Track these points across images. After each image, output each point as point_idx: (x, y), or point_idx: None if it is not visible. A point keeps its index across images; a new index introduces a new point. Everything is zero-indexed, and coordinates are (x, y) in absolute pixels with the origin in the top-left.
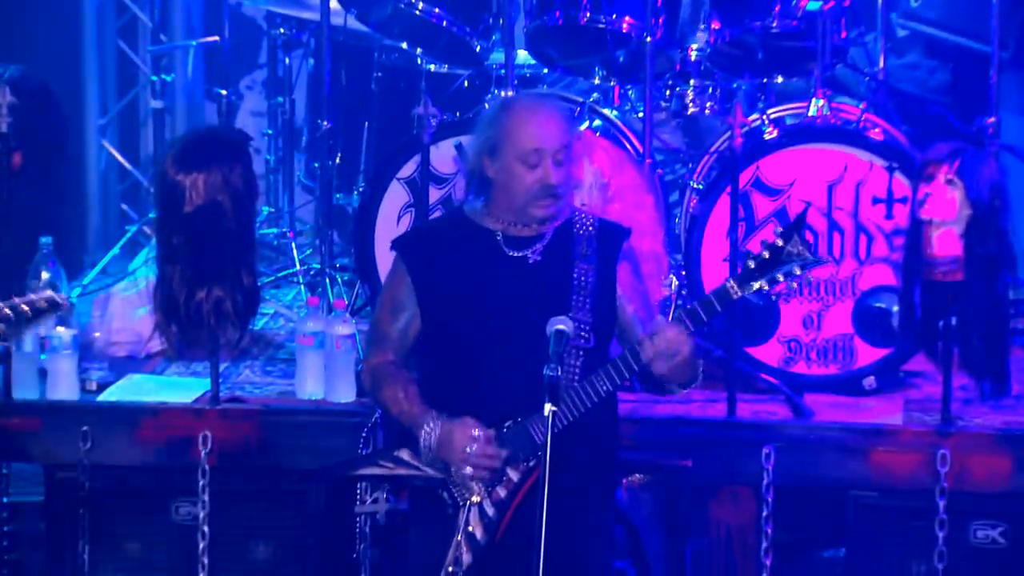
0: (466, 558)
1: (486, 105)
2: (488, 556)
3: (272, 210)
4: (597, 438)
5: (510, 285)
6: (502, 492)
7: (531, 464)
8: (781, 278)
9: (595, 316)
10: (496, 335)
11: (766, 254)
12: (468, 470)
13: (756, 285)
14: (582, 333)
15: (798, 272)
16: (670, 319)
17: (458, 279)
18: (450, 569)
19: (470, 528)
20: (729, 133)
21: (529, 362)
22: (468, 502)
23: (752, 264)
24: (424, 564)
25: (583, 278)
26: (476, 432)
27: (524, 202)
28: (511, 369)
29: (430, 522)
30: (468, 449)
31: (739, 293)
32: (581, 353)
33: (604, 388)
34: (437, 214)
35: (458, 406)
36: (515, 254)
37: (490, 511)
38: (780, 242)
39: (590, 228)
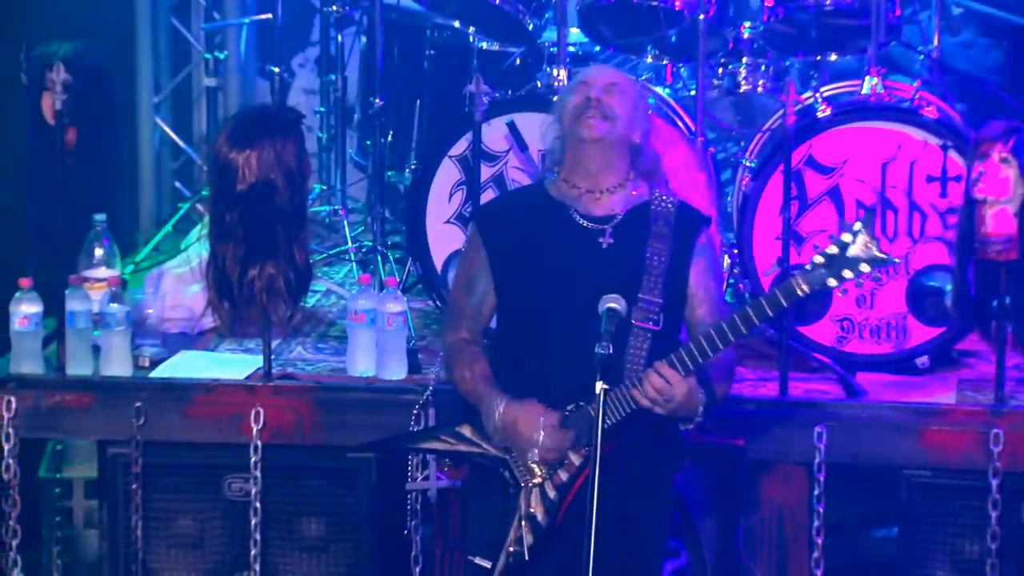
0: (528, 539)
1: (538, 83)
2: (550, 537)
3: (324, 188)
4: (662, 417)
5: (581, 266)
6: (563, 475)
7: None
8: (849, 275)
9: (666, 297)
10: (564, 315)
11: (833, 249)
12: (532, 455)
13: (823, 282)
14: (651, 315)
15: (866, 269)
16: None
17: (530, 256)
18: (511, 549)
19: (531, 509)
20: (782, 111)
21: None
22: (529, 483)
23: (821, 260)
24: (483, 540)
25: (656, 258)
26: (542, 419)
27: (572, 124)
28: (578, 350)
29: (490, 497)
30: (533, 436)
31: (805, 290)
32: (649, 335)
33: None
34: (520, 185)
35: (526, 384)
36: (589, 228)
37: (551, 494)
38: (848, 238)
39: (669, 206)
